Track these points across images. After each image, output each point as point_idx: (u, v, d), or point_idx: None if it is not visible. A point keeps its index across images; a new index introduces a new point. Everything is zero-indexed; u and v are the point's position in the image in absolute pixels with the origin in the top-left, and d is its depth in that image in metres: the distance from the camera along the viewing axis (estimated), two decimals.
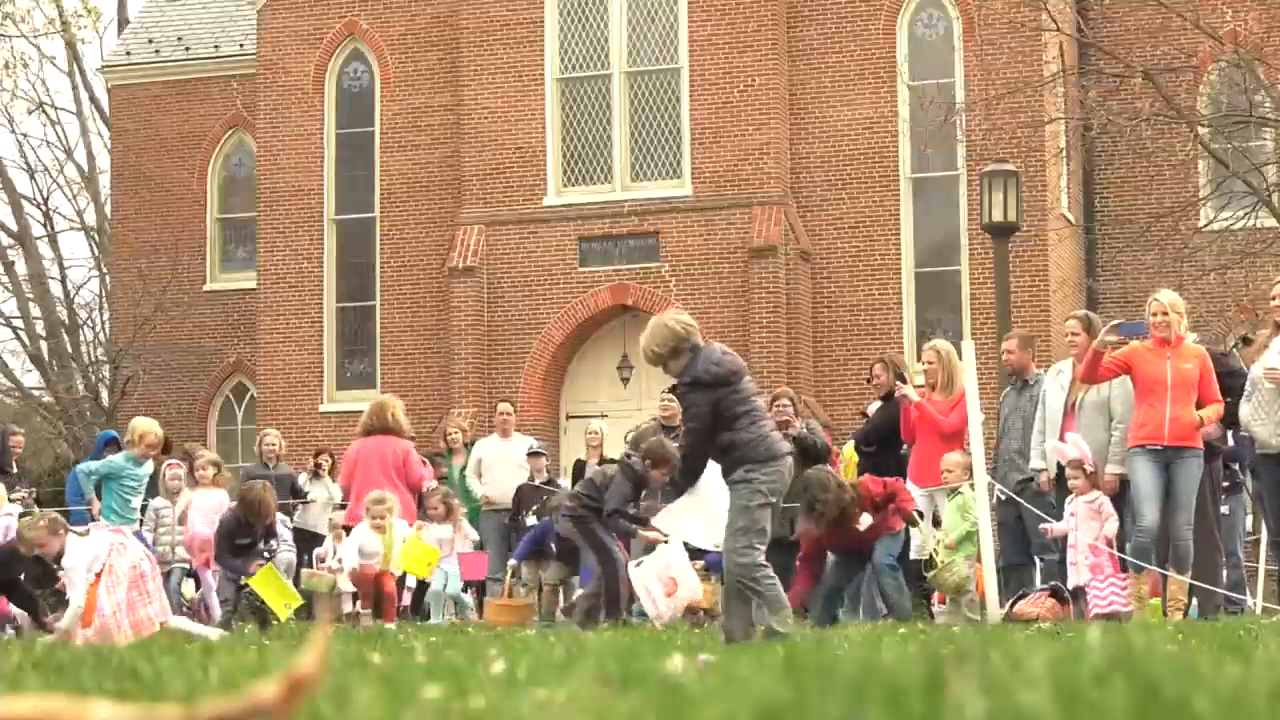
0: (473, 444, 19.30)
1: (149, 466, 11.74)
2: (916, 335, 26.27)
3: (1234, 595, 12.71)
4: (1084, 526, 12.03)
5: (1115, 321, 11.93)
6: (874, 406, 15.33)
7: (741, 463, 8.56)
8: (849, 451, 15.81)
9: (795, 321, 26.73)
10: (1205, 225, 24.85)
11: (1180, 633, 7.22)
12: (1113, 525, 12.05)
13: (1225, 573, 12.94)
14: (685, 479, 9.40)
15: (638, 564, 12.68)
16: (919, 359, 14.46)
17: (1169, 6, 23.67)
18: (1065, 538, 12.30)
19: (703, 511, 10.43)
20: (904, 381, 14.26)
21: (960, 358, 13.66)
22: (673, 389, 9.26)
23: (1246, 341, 13.83)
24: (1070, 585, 12.22)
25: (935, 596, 13.47)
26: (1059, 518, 12.38)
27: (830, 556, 12.54)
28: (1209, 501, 12.41)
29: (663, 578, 12.43)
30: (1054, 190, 27.04)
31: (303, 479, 19.32)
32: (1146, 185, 27.63)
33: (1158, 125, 24.23)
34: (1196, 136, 24.27)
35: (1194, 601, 12.38)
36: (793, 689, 2.50)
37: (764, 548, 8.62)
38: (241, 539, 13.21)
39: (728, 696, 2.58)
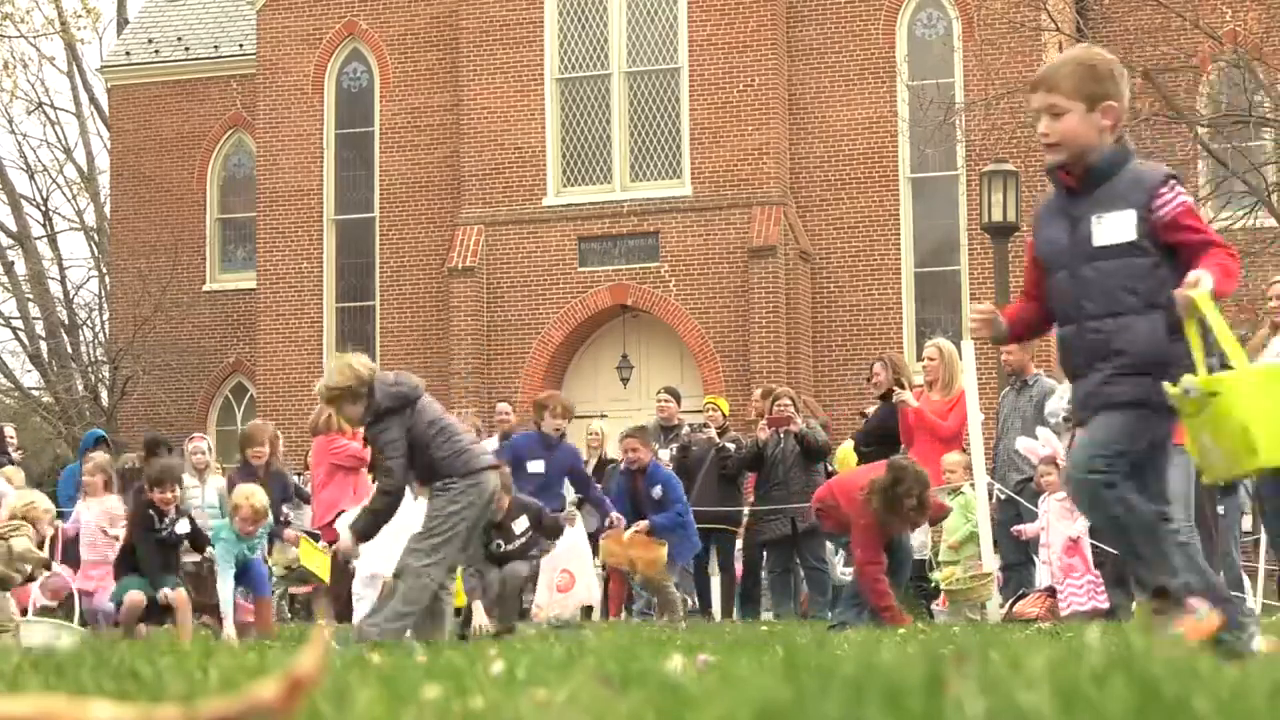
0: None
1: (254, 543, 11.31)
2: (916, 335, 26.28)
3: (1232, 595, 12.68)
4: (1056, 525, 12.03)
5: None
6: (873, 407, 15.36)
7: (444, 479, 8.46)
8: (846, 451, 15.83)
9: (795, 321, 26.74)
10: None
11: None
12: (1084, 523, 12.07)
13: (1220, 573, 12.89)
14: (387, 516, 8.55)
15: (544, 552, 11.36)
16: (919, 359, 14.45)
17: (1168, 6, 23.68)
18: (1038, 538, 12.33)
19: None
20: (903, 386, 14.25)
21: (960, 357, 13.68)
22: (366, 434, 8.63)
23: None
24: (1042, 586, 12.25)
25: (940, 600, 13.45)
26: None
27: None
28: (1205, 502, 12.39)
29: (555, 570, 11.51)
30: None
31: (304, 479, 19.26)
32: None
33: (1157, 125, 24.23)
34: (1196, 136, 24.28)
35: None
36: (793, 689, 2.50)
37: (446, 566, 8.42)
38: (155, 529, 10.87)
39: (728, 696, 2.58)
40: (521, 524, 10.81)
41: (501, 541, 10.71)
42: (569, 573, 11.25)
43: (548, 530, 11.10)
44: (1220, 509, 14.76)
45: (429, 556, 8.24)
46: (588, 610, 11.20)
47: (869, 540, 10.32)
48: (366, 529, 8.61)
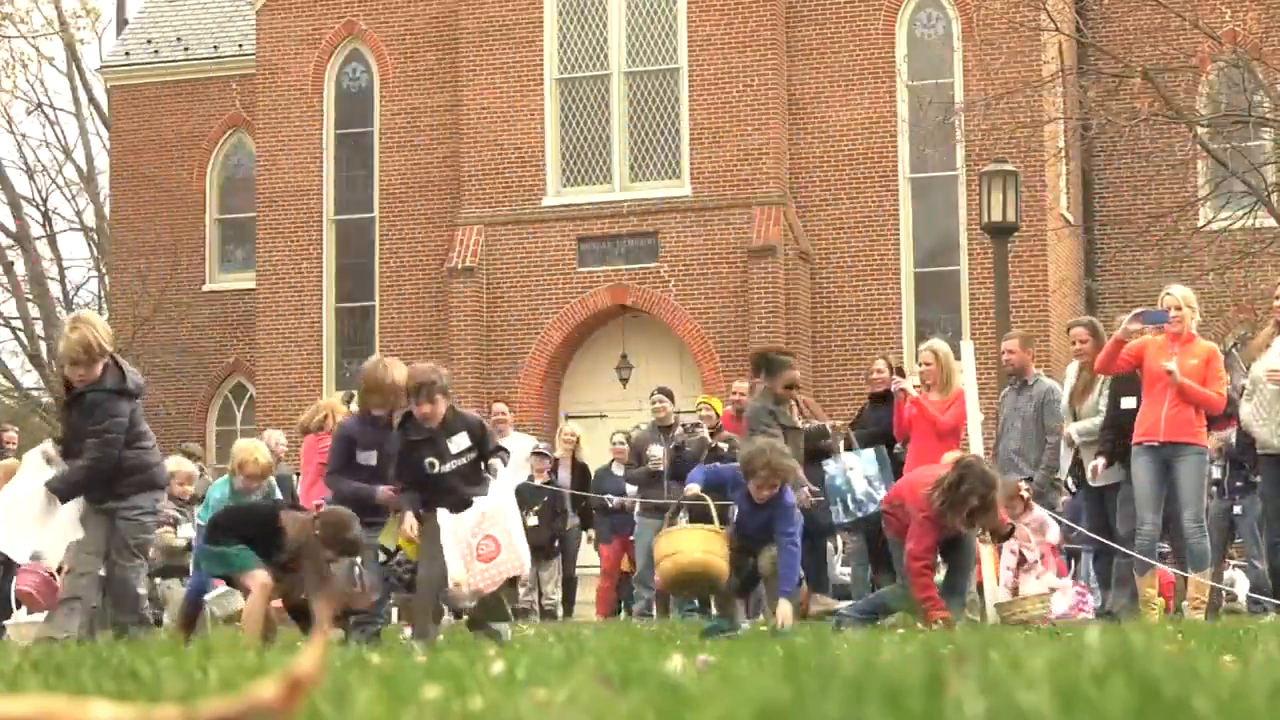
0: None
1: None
2: (915, 335, 26.27)
3: (1227, 589, 12.70)
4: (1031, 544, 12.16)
5: (1139, 310, 11.81)
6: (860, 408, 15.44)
7: (137, 485, 8.76)
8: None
9: (794, 322, 26.74)
10: (1204, 225, 24.85)
11: (1180, 632, 7.22)
12: (1055, 533, 12.24)
13: (1240, 573, 12.94)
14: (91, 489, 8.76)
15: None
16: (917, 359, 14.44)
17: (1168, 6, 23.68)
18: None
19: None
20: (903, 375, 14.27)
21: (958, 358, 13.67)
22: (86, 395, 8.66)
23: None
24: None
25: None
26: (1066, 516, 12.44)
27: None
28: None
29: (474, 536, 8.97)
30: (1053, 190, 27.05)
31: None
32: (1145, 185, 27.63)
33: (1156, 125, 24.24)
34: (1195, 136, 24.28)
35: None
36: (793, 689, 2.50)
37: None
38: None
39: (728, 696, 2.58)
40: (461, 441, 9.13)
41: (435, 460, 9.05)
42: (493, 538, 9.04)
43: (488, 456, 9.27)
44: (1238, 509, 14.78)
45: (135, 572, 8.87)
46: (512, 581, 9.13)
47: (923, 532, 10.14)
48: (69, 492, 8.81)
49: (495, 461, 9.28)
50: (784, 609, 9.70)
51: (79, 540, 8.84)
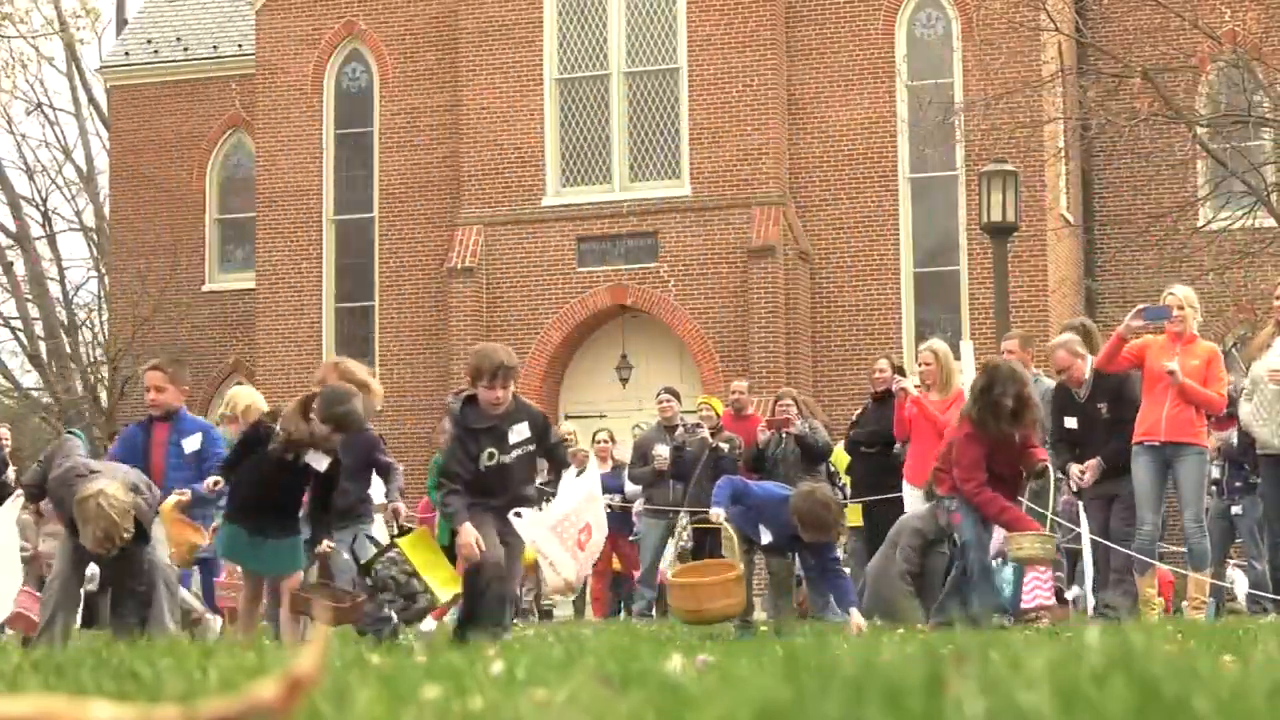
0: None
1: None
2: (915, 335, 26.27)
3: (1223, 584, 12.69)
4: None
5: (1140, 306, 11.79)
6: (857, 414, 15.45)
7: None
8: (839, 453, 15.85)
9: (794, 322, 26.74)
10: (1204, 225, 24.86)
11: (1180, 632, 7.22)
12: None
13: (1240, 572, 12.94)
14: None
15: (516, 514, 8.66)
16: (917, 360, 14.45)
17: (1168, 6, 23.68)
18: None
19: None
20: (904, 374, 14.28)
21: (958, 358, 13.67)
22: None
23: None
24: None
25: None
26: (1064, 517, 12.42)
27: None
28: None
29: (570, 530, 8.74)
30: (1053, 190, 27.06)
31: None
32: (1145, 185, 27.64)
33: (1156, 125, 24.24)
34: (1195, 136, 24.28)
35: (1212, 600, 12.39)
36: (793, 689, 2.50)
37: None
38: None
39: (728, 696, 2.58)
40: (521, 430, 8.59)
41: (494, 450, 8.50)
42: (588, 526, 8.70)
43: (553, 451, 8.93)
44: (1238, 509, 14.79)
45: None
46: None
47: (964, 449, 9.81)
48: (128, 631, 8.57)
49: (568, 470, 9.04)
50: (855, 618, 9.44)
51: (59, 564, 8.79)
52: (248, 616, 8.89)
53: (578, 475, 9.07)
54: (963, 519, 10.21)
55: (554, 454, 8.95)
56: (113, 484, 8.19)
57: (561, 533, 8.51)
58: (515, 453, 8.52)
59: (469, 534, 8.19)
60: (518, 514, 8.49)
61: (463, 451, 8.46)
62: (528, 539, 8.50)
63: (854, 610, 9.63)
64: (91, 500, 8.06)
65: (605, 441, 19.06)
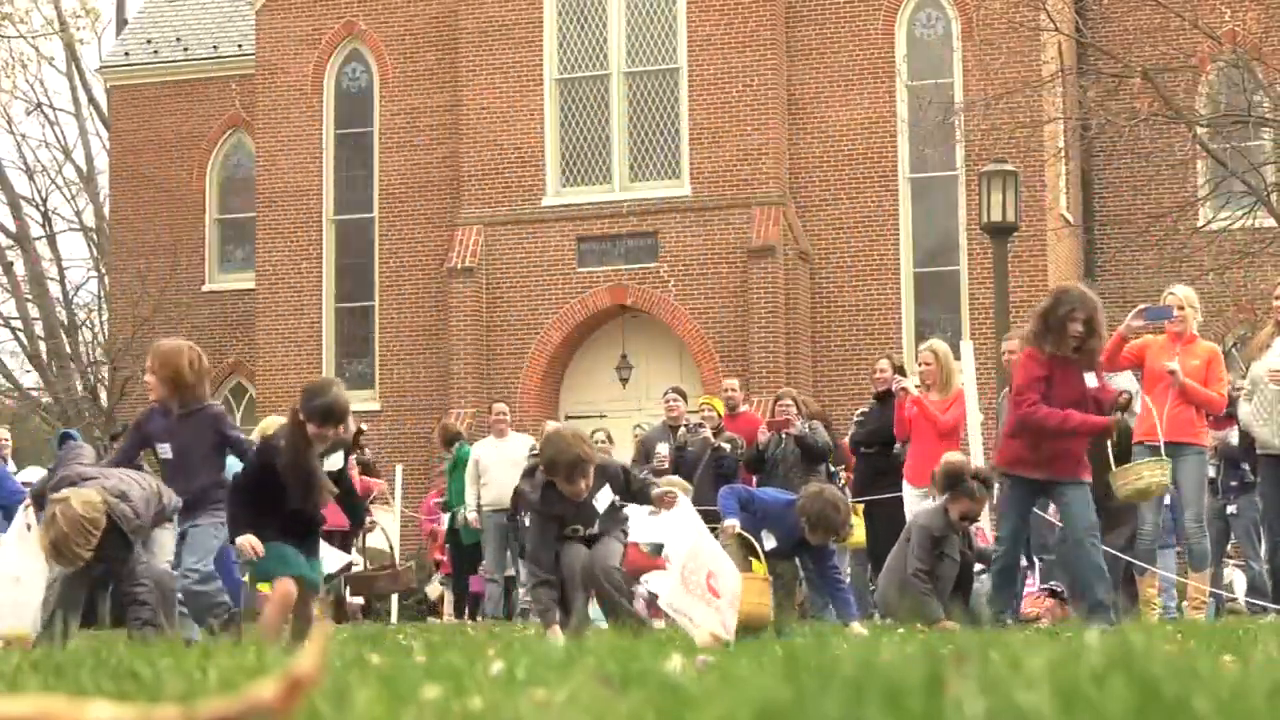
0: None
1: None
2: (915, 335, 26.27)
3: (1223, 593, 12.70)
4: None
5: (1141, 307, 11.78)
6: (863, 409, 15.43)
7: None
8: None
9: (794, 322, 26.74)
10: (1204, 225, 24.86)
11: (1180, 632, 7.22)
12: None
13: (1237, 573, 12.94)
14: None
15: (644, 581, 8.73)
16: (917, 360, 14.46)
17: (1167, 6, 23.68)
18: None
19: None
20: (904, 374, 14.28)
21: (958, 358, 13.67)
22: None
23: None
24: (1040, 586, 12.30)
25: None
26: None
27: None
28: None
29: (694, 579, 8.12)
30: (1053, 190, 27.05)
31: None
32: (1145, 185, 27.63)
33: (1156, 125, 24.24)
34: (1195, 136, 24.28)
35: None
36: (793, 689, 2.50)
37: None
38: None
39: (728, 696, 2.58)
40: (605, 497, 8.43)
41: (580, 526, 8.47)
42: (711, 572, 8.07)
43: (639, 496, 8.59)
44: (1233, 509, 14.79)
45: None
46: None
47: (1021, 373, 9.21)
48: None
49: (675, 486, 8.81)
50: (856, 629, 9.23)
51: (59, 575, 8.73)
52: (301, 623, 8.53)
53: (666, 514, 8.62)
54: (1001, 511, 9.89)
55: (640, 498, 8.73)
56: (80, 495, 8.07)
57: (687, 581, 8.08)
58: (600, 522, 8.49)
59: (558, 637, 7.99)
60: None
61: (549, 535, 8.44)
62: (664, 606, 8.23)
63: (854, 624, 9.52)
64: (48, 510, 8.09)
65: (603, 442, 19.02)
